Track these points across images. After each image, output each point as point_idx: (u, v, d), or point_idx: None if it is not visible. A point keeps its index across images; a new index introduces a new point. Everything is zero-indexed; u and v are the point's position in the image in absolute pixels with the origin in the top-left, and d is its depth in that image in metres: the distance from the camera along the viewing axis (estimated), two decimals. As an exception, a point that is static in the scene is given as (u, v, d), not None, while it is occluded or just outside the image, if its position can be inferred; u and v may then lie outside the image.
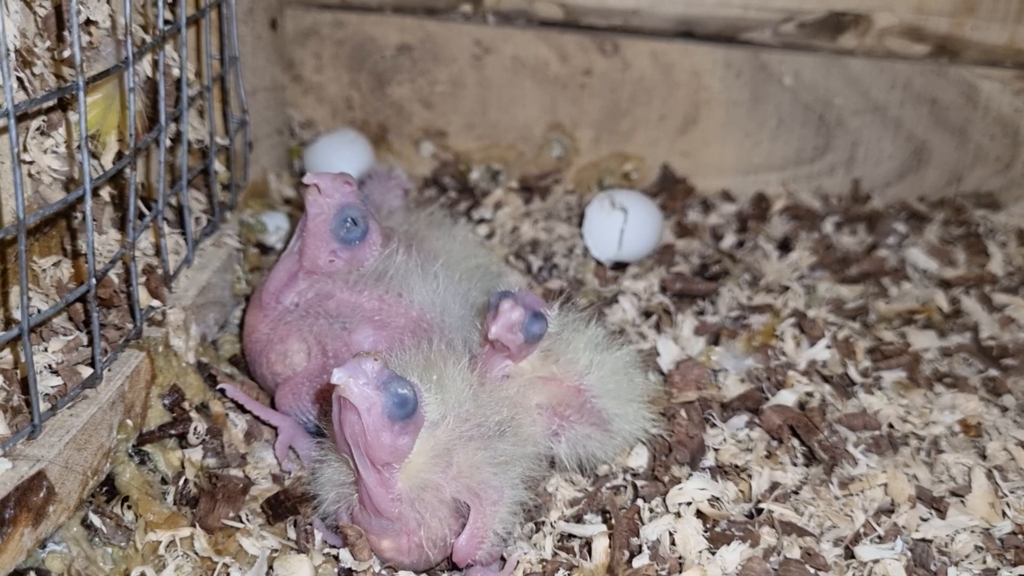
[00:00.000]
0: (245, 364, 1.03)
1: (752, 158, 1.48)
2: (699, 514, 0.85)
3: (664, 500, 0.86)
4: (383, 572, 0.79)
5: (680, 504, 0.85)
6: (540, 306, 0.85)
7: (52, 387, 0.79)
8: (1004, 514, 0.88)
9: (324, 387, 0.91)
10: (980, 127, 1.45)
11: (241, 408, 0.96)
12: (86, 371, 0.81)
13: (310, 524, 0.83)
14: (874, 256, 1.34)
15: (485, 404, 0.80)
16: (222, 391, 0.96)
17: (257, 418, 0.94)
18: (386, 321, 0.93)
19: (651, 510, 0.86)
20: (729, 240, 1.37)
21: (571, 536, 0.86)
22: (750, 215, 1.44)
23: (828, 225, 1.41)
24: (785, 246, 1.36)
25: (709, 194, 1.49)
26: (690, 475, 0.89)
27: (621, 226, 1.27)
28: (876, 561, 0.81)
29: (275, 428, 0.94)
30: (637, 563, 0.79)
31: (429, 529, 0.76)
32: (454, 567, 0.83)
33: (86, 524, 0.78)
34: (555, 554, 0.84)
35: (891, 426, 1.00)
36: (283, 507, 0.85)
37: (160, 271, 0.95)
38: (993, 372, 1.11)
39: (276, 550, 0.81)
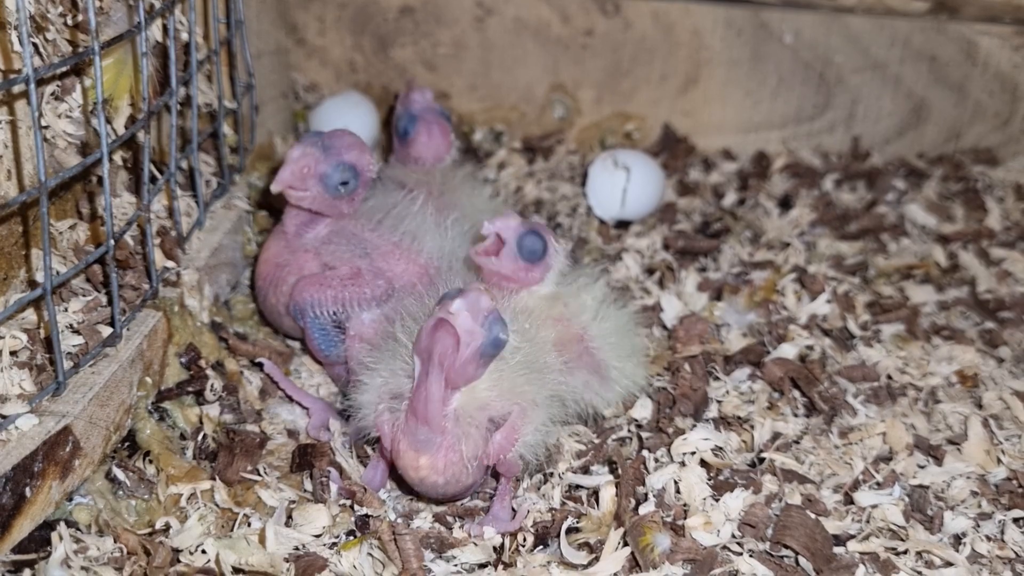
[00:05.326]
0: (257, 321, 1.06)
1: (753, 116, 1.49)
2: (703, 463, 0.87)
3: (669, 450, 0.88)
4: (398, 520, 0.81)
5: (684, 454, 0.88)
6: (546, 233, 0.90)
7: (74, 346, 0.81)
8: (999, 461, 0.90)
9: (353, 293, 0.95)
10: (979, 83, 1.46)
11: (257, 366, 0.99)
12: (106, 330, 0.83)
13: (326, 476, 0.85)
14: (873, 212, 1.36)
15: (529, 335, 0.84)
16: (260, 365, 0.98)
17: (290, 397, 0.97)
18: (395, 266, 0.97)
19: (656, 460, 0.88)
20: (730, 198, 1.39)
21: (578, 487, 0.88)
22: (751, 173, 1.45)
23: (828, 182, 1.43)
24: (786, 203, 1.37)
25: (710, 153, 1.50)
26: (694, 426, 0.91)
27: (624, 185, 1.29)
28: (875, 506, 0.84)
29: (307, 409, 0.96)
30: (643, 510, 0.81)
31: (469, 444, 0.80)
32: (467, 515, 0.85)
33: (110, 478, 0.81)
34: (563, 503, 0.86)
35: (889, 377, 1.02)
36: (307, 458, 0.88)
37: (173, 233, 0.97)
38: (990, 325, 1.13)
39: (294, 501, 0.84)
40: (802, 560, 0.78)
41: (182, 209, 1.01)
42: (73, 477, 0.77)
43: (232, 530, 0.79)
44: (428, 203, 1.02)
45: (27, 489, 0.71)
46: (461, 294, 0.75)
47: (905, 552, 0.80)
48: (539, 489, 0.88)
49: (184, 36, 0.99)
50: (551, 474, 0.90)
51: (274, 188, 0.96)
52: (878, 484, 0.87)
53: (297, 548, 0.78)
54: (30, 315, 0.82)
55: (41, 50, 0.83)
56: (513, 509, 0.86)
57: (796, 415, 0.97)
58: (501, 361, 0.80)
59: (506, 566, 0.79)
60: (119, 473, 0.81)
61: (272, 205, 1.20)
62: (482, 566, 0.79)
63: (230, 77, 1.13)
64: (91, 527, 0.77)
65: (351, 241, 0.98)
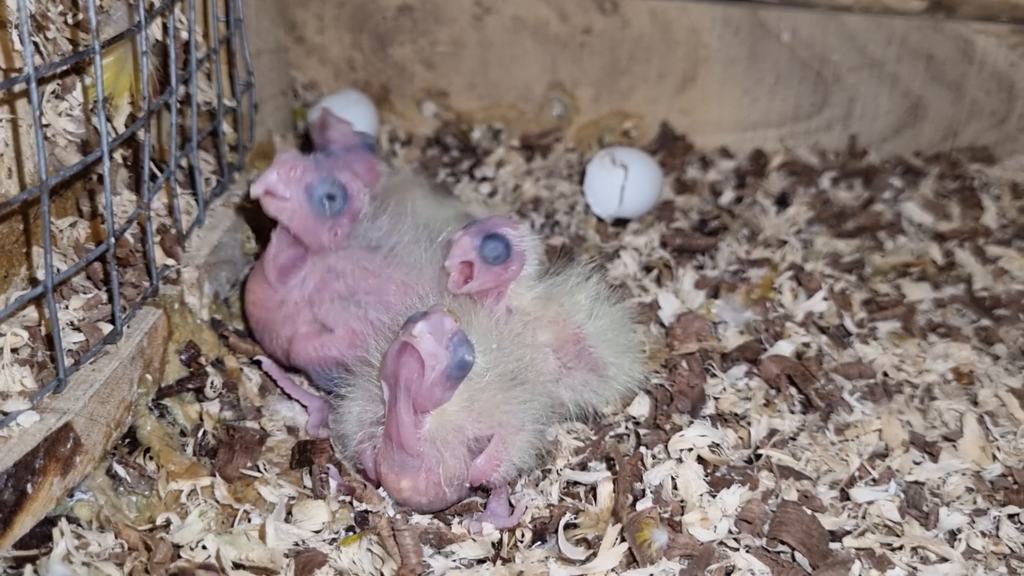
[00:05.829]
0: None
1: (750, 115, 1.50)
2: (700, 460, 0.88)
3: (666, 447, 0.89)
4: (397, 516, 0.82)
5: (682, 450, 0.88)
6: (499, 228, 0.89)
7: (75, 343, 0.82)
8: (994, 457, 0.91)
9: (352, 355, 0.91)
10: (976, 82, 1.46)
11: (256, 364, 0.99)
12: (106, 328, 0.83)
13: (325, 472, 0.86)
14: (870, 210, 1.36)
15: (507, 351, 0.84)
16: (258, 363, 0.99)
17: (288, 395, 0.97)
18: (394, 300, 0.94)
19: (654, 456, 0.89)
20: (728, 196, 1.40)
21: (576, 483, 0.89)
22: (748, 171, 1.46)
23: (825, 180, 1.44)
24: (783, 201, 1.38)
25: (708, 151, 1.50)
26: (691, 423, 0.92)
27: (622, 183, 1.30)
28: (870, 502, 0.84)
29: (306, 407, 0.96)
30: (640, 506, 0.82)
31: (447, 467, 0.80)
32: (466, 511, 0.86)
33: (111, 474, 0.81)
34: (561, 499, 0.87)
35: (886, 374, 1.03)
36: (306, 454, 0.89)
37: (173, 231, 0.97)
38: (986, 322, 1.13)
39: (293, 497, 0.84)
40: (798, 556, 0.78)
41: (182, 207, 1.01)
42: (74, 473, 0.77)
43: (232, 526, 0.80)
44: (417, 231, 0.98)
45: (28, 485, 0.71)
46: (424, 317, 0.75)
47: (900, 548, 0.80)
48: (537, 485, 0.89)
49: (184, 35, 0.99)
50: (549, 470, 0.90)
51: (255, 190, 0.90)
52: (874, 480, 0.87)
53: (297, 544, 0.79)
54: (31, 312, 0.82)
55: (42, 49, 0.83)
56: (511, 505, 0.86)
57: (792, 412, 0.97)
58: (472, 382, 0.80)
59: (504, 561, 0.79)
60: (120, 469, 0.82)
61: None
62: (480, 561, 0.80)
63: (229, 75, 1.13)
64: (92, 523, 0.77)
65: (343, 296, 0.94)
